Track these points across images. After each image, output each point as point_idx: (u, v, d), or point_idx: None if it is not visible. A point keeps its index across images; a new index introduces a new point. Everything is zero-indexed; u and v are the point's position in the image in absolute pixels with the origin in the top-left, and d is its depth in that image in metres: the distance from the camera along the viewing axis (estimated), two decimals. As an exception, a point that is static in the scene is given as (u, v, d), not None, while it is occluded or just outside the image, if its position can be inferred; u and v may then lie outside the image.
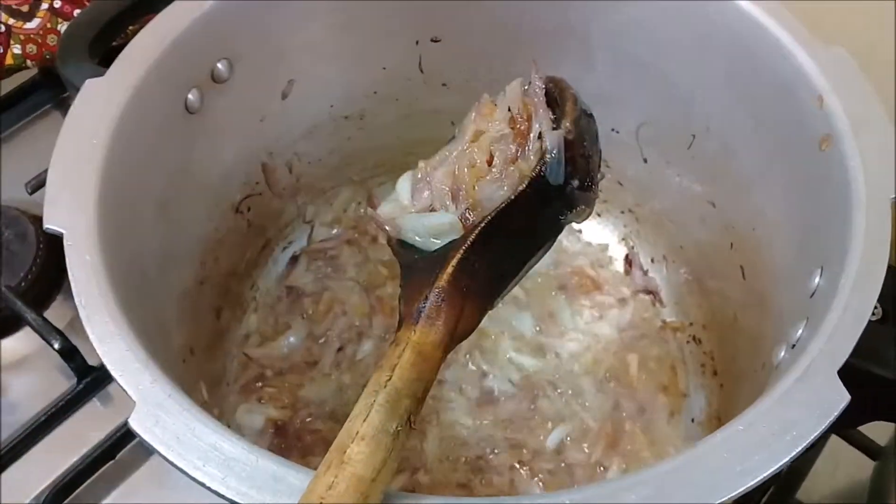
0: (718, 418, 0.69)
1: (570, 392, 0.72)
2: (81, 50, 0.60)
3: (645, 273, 0.80)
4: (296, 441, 0.70)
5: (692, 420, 0.72)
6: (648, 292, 0.80)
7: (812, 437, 0.39)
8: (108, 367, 0.42)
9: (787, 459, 0.38)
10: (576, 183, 0.47)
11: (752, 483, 0.38)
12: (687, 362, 0.75)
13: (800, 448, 0.39)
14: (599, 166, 0.50)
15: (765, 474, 0.38)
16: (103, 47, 0.63)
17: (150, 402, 0.40)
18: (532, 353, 0.75)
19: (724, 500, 0.37)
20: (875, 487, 0.66)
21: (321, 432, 0.70)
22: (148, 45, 0.56)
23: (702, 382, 0.73)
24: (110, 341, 0.42)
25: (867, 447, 0.67)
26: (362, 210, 0.83)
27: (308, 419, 0.71)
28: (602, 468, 0.68)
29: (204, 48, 0.60)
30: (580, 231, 0.83)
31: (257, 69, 0.65)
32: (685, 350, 0.76)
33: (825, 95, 0.52)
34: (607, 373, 0.74)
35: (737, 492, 0.38)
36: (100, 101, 0.53)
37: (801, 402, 0.40)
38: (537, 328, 0.76)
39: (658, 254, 0.80)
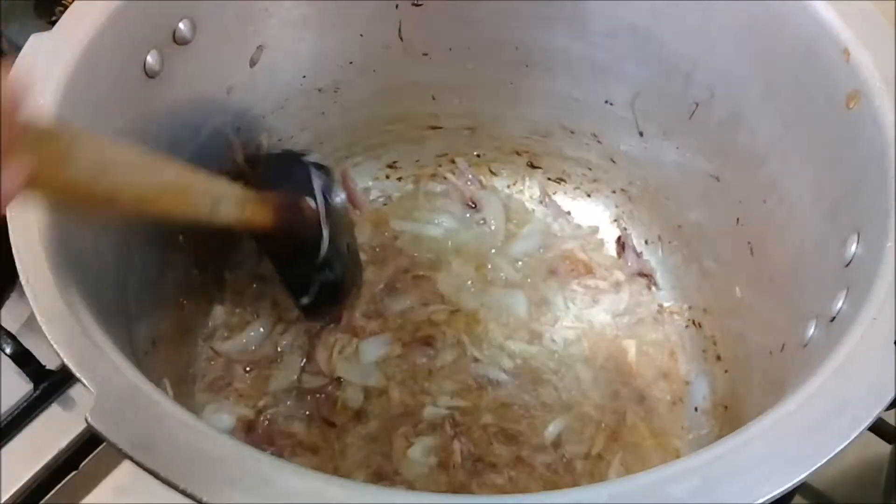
0: (725, 406, 0.65)
1: (566, 381, 0.68)
2: (26, 7, 0.54)
3: (639, 255, 0.76)
4: (266, 443, 0.64)
5: (695, 409, 0.67)
6: (643, 275, 0.75)
7: (874, 416, 0.34)
8: (59, 351, 0.35)
9: (846, 443, 0.34)
10: None
11: (809, 471, 0.33)
12: (687, 347, 0.71)
13: (860, 429, 0.34)
14: None
15: (823, 460, 0.33)
16: (52, 7, 0.56)
17: (112, 394, 0.34)
18: (525, 340, 0.70)
19: (779, 490, 0.33)
20: (892, 473, 0.62)
21: (296, 436, 0.65)
22: (101, -1, 0.50)
23: (704, 368, 0.69)
24: (61, 322, 0.36)
25: (881, 430, 0.63)
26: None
27: (279, 418, 0.65)
28: (604, 461, 0.64)
29: (164, 6, 0.54)
30: (569, 213, 0.79)
31: (223, 32, 0.59)
32: (684, 335, 0.71)
33: (852, 48, 0.48)
34: (604, 360, 0.70)
35: (793, 481, 0.33)
36: (46, 57, 0.46)
37: (856, 377, 0.36)
38: (529, 315, 0.71)
39: (653, 234, 0.76)
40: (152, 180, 0.46)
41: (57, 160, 0.36)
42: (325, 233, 0.60)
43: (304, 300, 0.64)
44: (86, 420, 0.33)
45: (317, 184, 0.61)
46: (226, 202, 0.52)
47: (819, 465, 0.33)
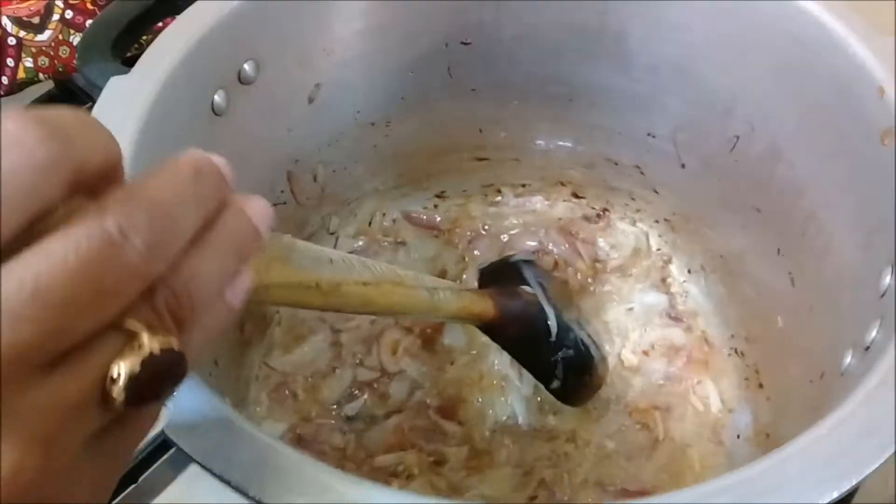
0: (767, 434, 0.66)
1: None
2: (104, 49, 0.58)
3: (683, 283, 0.78)
4: (317, 455, 0.67)
5: (738, 436, 0.69)
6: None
7: (902, 442, 0.36)
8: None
9: (875, 466, 0.35)
10: None
11: (839, 492, 0.35)
12: (729, 376, 0.72)
13: (888, 453, 0.36)
14: None
15: (853, 482, 0.35)
16: (126, 48, 0.61)
17: (185, 407, 0.38)
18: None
19: (811, 510, 0.34)
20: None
21: (344, 450, 0.67)
22: (174, 42, 0.54)
23: (746, 396, 0.70)
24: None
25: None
26: (393, 219, 0.81)
27: (328, 430, 0.68)
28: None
29: (231, 48, 0.58)
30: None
31: (284, 72, 0.63)
32: (728, 363, 0.73)
33: (886, 86, 0.50)
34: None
35: (826, 501, 0.34)
36: (126, 96, 0.50)
37: (885, 404, 0.37)
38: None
39: (695, 264, 0.77)
40: (369, 273, 0.47)
41: (280, 258, 0.39)
42: (550, 312, 0.63)
43: (555, 384, 0.66)
44: (163, 432, 0.36)
45: (528, 273, 0.66)
46: (443, 292, 0.54)
47: (849, 486, 0.35)
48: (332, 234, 0.79)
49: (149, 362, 0.26)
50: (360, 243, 0.80)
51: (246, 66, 0.59)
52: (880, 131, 0.49)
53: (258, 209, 0.32)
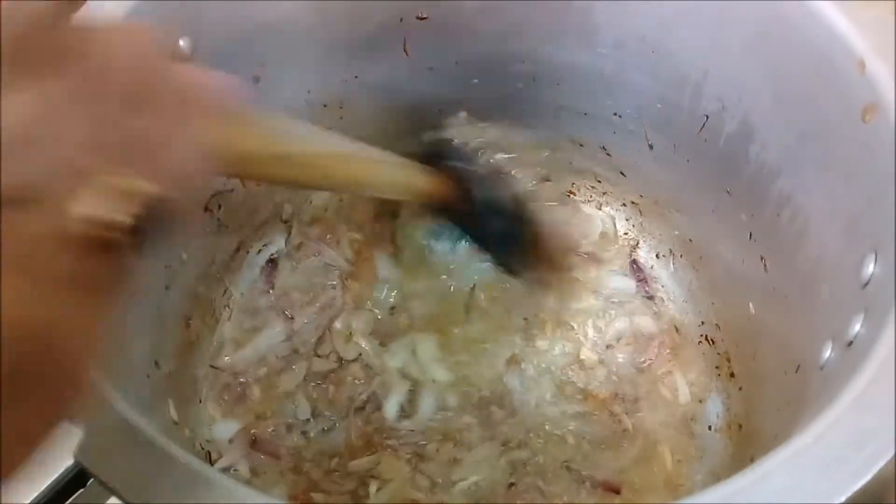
0: (739, 425, 0.63)
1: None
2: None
3: (651, 268, 0.75)
4: (270, 455, 0.64)
5: (709, 427, 0.66)
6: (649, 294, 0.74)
7: (894, 450, 0.33)
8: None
9: (866, 479, 0.32)
10: None
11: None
12: (700, 364, 0.69)
13: (880, 464, 0.33)
14: None
15: (843, 497, 0.32)
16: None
17: (99, 429, 0.33)
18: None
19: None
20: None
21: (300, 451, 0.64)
22: (96, 18, 0.49)
23: (717, 386, 0.68)
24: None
25: None
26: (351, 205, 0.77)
27: (283, 429, 0.65)
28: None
29: (162, 23, 0.53)
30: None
31: (224, 49, 0.58)
32: (698, 351, 0.70)
33: (867, 60, 0.46)
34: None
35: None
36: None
37: (875, 409, 0.34)
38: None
39: (664, 248, 0.74)
40: (333, 143, 0.50)
41: (244, 126, 0.40)
42: (483, 185, 0.61)
43: (502, 258, 0.65)
44: (77, 464, 0.32)
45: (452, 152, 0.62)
46: (405, 168, 0.56)
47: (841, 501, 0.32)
48: (285, 222, 0.75)
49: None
50: (317, 231, 0.76)
51: (182, 44, 0.54)
52: (861, 108, 0.46)
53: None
